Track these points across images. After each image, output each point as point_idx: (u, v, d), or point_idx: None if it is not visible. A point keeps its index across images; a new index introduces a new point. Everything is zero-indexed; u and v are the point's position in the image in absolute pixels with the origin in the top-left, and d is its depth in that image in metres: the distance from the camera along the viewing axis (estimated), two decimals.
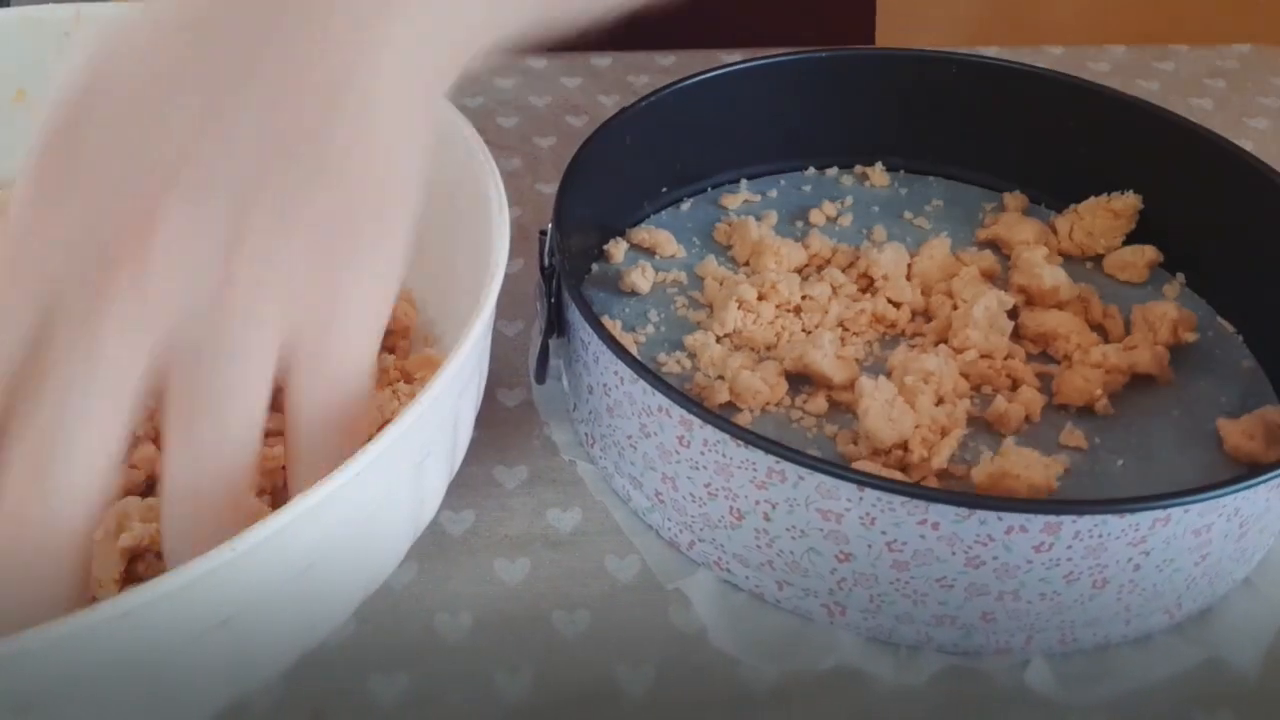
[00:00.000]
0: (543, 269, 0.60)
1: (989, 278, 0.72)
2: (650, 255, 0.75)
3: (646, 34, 1.00)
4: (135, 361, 0.38)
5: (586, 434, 0.64)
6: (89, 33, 0.66)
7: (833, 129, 0.81)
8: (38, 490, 0.37)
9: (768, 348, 0.68)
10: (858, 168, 0.83)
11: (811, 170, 0.82)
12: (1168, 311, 0.68)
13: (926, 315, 0.70)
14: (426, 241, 0.61)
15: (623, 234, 0.76)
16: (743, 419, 0.63)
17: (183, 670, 0.41)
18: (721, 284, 0.71)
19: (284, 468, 0.49)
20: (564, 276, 0.59)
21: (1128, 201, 0.75)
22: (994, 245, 0.76)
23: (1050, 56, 1.02)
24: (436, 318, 0.62)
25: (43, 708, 0.37)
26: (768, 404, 0.64)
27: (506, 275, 0.51)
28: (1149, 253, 0.74)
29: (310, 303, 0.40)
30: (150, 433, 0.53)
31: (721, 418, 0.51)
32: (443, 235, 0.59)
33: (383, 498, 0.45)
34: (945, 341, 0.67)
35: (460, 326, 0.48)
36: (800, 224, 0.78)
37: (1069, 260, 0.75)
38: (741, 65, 0.76)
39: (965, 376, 0.65)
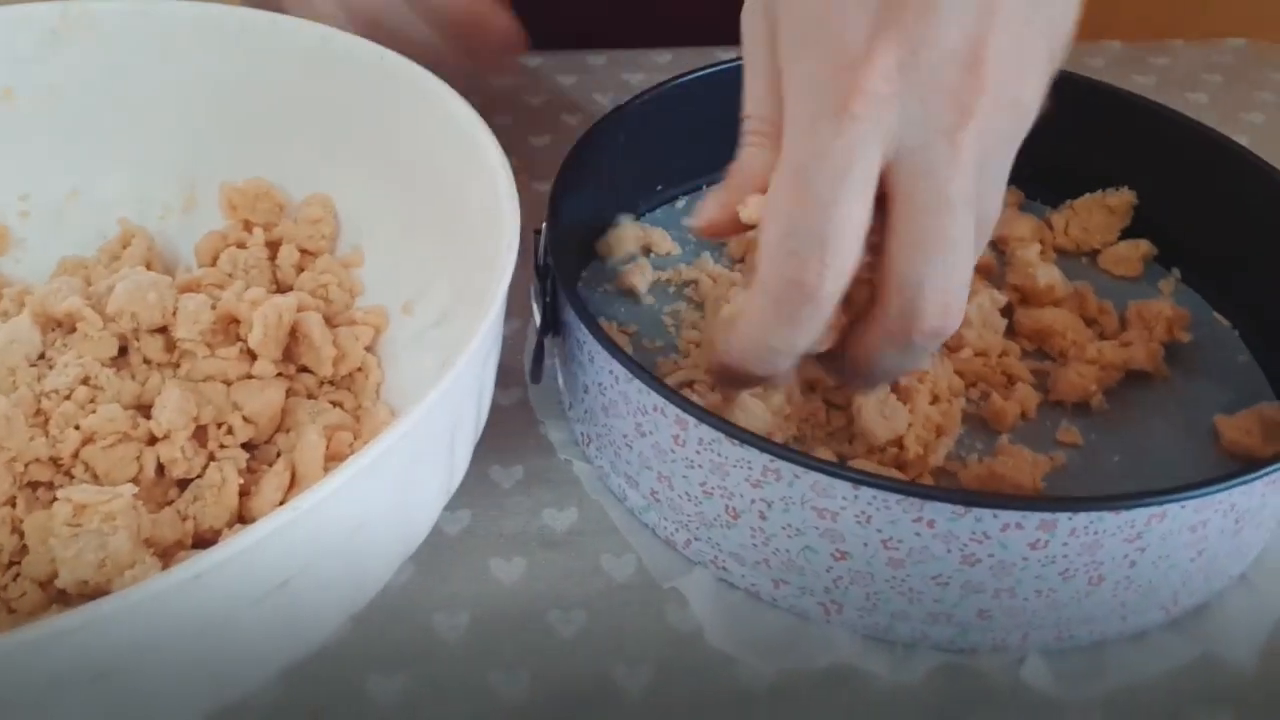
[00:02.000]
0: (537, 268, 0.60)
1: (985, 274, 0.72)
2: (646, 254, 0.75)
3: (642, 31, 1.01)
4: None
5: (582, 433, 0.64)
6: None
7: None
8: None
9: None
10: None
11: None
12: (1163, 310, 0.68)
13: None
14: (437, 223, 0.62)
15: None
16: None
17: (245, 633, 0.42)
18: (716, 282, 0.71)
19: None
20: (559, 275, 0.59)
21: (1122, 198, 0.75)
22: (991, 242, 0.76)
23: None
24: (449, 299, 0.63)
25: (117, 674, 0.39)
26: None
27: None
28: (1144, 247, 0.74)
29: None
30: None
31: (717, 416, 0.51)
32: (454, 220, 0.61)
33: (421, 461, 0.48)
34: None
35: (473, 306, 0.50)
36: None
37: (1064, 255, 0.75)
38: (738, 62, 0.76)
39: (960, 374, 0.65)
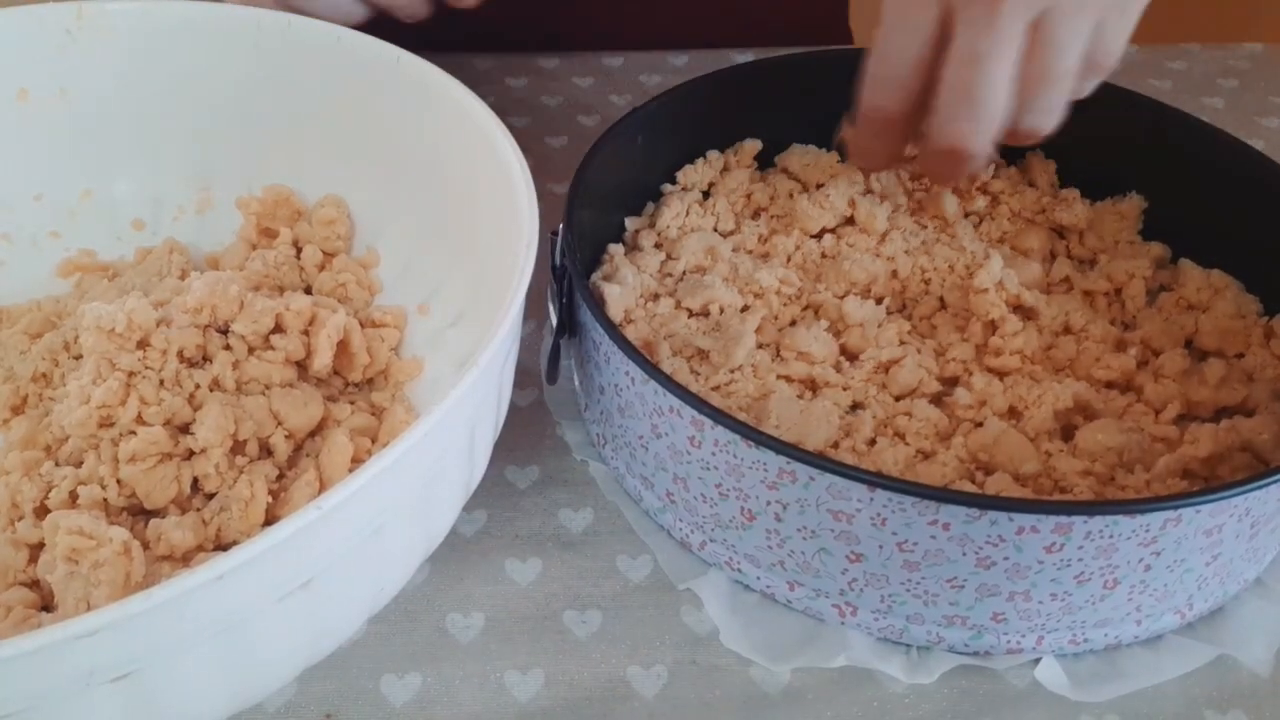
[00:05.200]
0: (554, 269, 0.60)
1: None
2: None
3: (658, 33, 1.01)
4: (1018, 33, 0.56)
5: (598, 434, 0.64)
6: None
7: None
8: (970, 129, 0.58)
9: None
10: None
11: None
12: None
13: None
14: (453, 225, 0.63)
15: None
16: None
17: (267, 634, 0.43)
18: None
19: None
20: (576, 277, 0.59)
21: (1132, 203, 0.75)
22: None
23: None
24: (466, 299, 0.63)
25: (140, 674, 0.39)
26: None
27: None
28: (1157, 250, 0.73)
29: None
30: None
31: (732, 418, 0.51)
32: (469, 220, 0.61)
33: (442, 461, 0.48)
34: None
35: (491, 307, 0.50)
36: None
37: (1080, 263, 0.75)
38: (753, 65, 0.76)
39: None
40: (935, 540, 0.50)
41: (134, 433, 0.53)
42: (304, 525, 0.39)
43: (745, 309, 0.68)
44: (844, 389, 0.64)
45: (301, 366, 0.60)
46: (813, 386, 0.64)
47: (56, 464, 0.55)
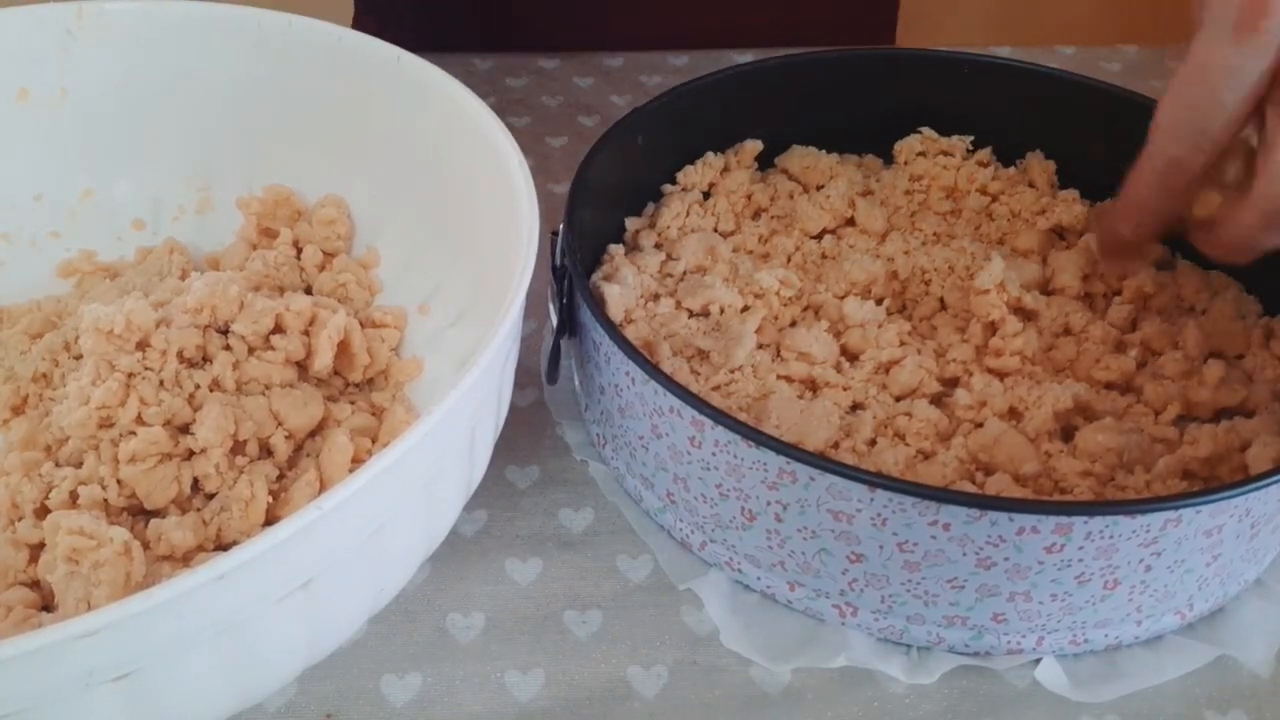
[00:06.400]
0: (554, 269, 0.60)
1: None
2: None
3: (659, 34, 1.01)
4: None
5: (598, 434, 0.64)
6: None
7: (845, 128, 0.81)
8: None
9: None
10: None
11: None
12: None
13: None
14: (454, 225, 0.63)
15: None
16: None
17: (268, 634, 0.43)
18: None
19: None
20: (576, 277, 0.59)
21: None
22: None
23: (1062, 56, 1.02)
24: (466, 299, 0.63)
25: (140, 674, 0.39)
26: None
27: None
28: (1157, 249, 0.73)
29: None
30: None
31: (733, 418, 0.51)
32: (469, 220, 0.62)
33: (442, 461, 0.48)
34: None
35: (491, 307, 0.50)
36: None
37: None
38: (753, 65, 0.76)
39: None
40: (935, 540, 0.50)
41: (134, 433, 0.53)
42: (304, 525, 0.39)
43: (745, 309, 0.68)
44: (844, 389, 0.63)
45: (302, 366, 0.60)
46: (813, 387, 0.64)
47: (57, 464, 0.55)
